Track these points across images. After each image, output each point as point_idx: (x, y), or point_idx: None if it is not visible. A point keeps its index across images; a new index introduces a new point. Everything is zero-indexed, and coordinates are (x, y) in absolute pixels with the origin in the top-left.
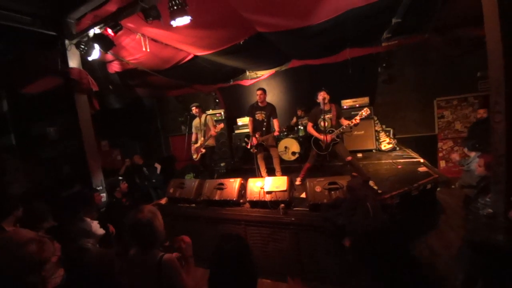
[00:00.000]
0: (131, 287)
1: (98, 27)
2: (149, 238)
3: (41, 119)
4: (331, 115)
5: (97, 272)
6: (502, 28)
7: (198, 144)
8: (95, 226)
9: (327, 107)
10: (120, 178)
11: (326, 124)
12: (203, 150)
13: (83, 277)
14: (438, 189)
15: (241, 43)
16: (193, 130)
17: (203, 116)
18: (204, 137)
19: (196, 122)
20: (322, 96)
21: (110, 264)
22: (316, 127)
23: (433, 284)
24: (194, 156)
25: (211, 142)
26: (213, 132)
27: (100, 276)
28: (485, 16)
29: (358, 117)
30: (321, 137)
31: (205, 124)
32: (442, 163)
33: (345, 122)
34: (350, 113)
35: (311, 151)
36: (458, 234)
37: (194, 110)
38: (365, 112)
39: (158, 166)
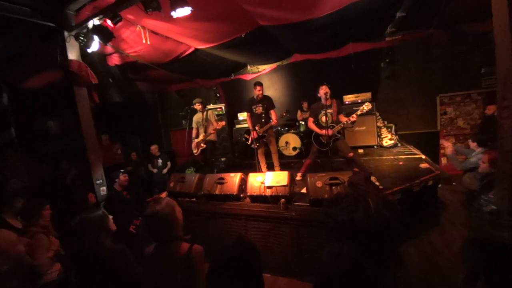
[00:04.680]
0: (157, 284)
1: (97, 18)
2: (168, 231)
3: (41, 113)
4: (331, 110)
5: (113, 268)
6: (511, 21)
7: (199, 139)
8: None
9: (328, 102)
10: (122, 170)
11: (327, 119)
12: (204, 145)
13: (97, 274)
14: (440, 185)
15: (243, 36)
16: (194, 125)
17: (205, 111)
18: (205, 132)
19: (197, 117)
20: (323, 90)
21: (125, 259)
22: (317, 122)
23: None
24: (195, 151)
25: (212, 137)
26: (216, 126)
27: (116, 272)
28: (494, 8)
29: (358, 112)
30: (322, 132)
31: (206, 120)
32: (444, 160)
33: (343, 118)
34: (352, 109)
35: (312, 147)
36: (459, 231)
37: (198, 106)
38: (366, 106)
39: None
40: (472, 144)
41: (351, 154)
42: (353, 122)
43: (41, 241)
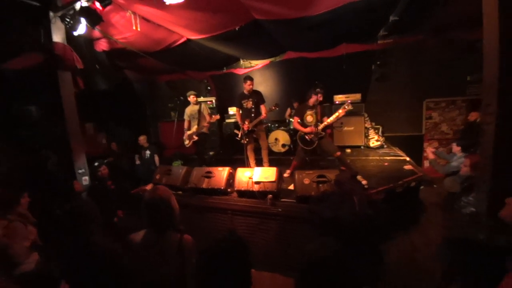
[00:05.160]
0: (148, 272)
1: None
2: (167, 217)
3: (22, 97)
4: (315, 110)
5: (107, 268)
6: (500, 30)
7: (192, 131)
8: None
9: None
10: (103, 161)
11: (311, 119)
12: (196, 138)
13: (89, 273)
14: (422, 187)
15: (237, 29)
16: (186, 117)
17: (199, 104)
18: (198, 125)
19: (190, 109)
20: (315, 99)
21: (119, 260)
22: (302, 122)
23: None
24: (186, 143)
25: (205, 129)
26: (210, 120)
27: (110, 272)
28: (484, 16)
29: (336, 114)
30: (307, 130)
31: (200, 112)
32: (426, 163)
33: (326, 119)
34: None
35: (298, 147)
36: (439, 232)
37: (192, 98)
38: (347, 106)
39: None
40: (456, 148)
41: (338, 154)
42: (327, 126)
43: (17, 229)
